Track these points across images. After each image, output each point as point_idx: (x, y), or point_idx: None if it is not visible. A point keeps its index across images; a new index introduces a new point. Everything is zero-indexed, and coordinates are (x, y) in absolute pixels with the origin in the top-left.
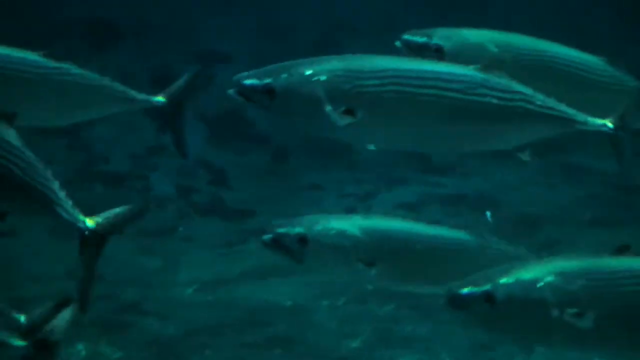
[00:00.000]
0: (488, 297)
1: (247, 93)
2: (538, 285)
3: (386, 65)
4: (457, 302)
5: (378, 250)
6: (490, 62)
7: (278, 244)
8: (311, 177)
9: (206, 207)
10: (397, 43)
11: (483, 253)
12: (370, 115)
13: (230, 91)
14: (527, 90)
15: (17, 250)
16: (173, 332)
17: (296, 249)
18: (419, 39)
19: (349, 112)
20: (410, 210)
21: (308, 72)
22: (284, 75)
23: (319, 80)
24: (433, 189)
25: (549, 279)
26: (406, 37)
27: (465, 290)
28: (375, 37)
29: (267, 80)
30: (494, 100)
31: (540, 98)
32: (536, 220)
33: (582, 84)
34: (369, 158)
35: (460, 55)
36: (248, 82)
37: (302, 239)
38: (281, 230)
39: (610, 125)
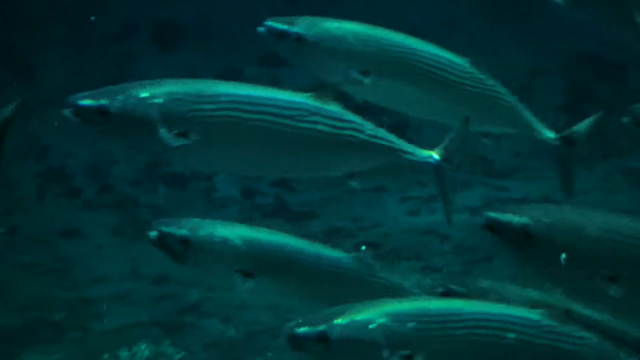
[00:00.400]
0: (322, 337)
1: (82, 114)
2: (370, 327)
3: (222, 90)
4: (293, 342)
5: (257, 263)
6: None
7: (162, 242)
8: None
9: (270, 209)
10: (260, 29)
11: (363, 280)
12: (203, 138)
13: (66, 112)
14: (358, 119)
15: (82, 251)
16: (235, 334)
17: (178, 251)
18: (280, 26)
19: (184, 134)
20: (475, 213)
21: (144, 95)
22: (120, 97)
23: (154, 102)
24: (496, 193)
25: (382, 320)
26: (269, 23)
27: (301, 329)
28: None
29: (103, 102)
30: (325, 128)
31: (369, 127)
32: None
33: (443, 84)
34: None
35: (320, 45)
36: (82, 103)
37: (185, 241)
38: (166, 229)
39: (435, 157)
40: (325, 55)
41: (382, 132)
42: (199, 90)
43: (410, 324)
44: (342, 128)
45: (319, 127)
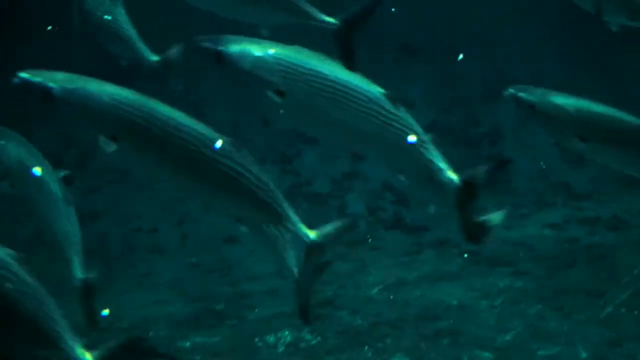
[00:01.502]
0: None
1: None
2: None
3: None
4: None
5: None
6: None
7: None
8: (478, 200)
9: (390, 223)
10: None
11: None
12: None
13: None
14: None
15: (238, 254)
16: (360, 324)
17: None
18: None
19: None
20: (555, 229)
21: None
22: None
23: None
24: (574, 212)
25: None
26: None
27: None
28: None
29: None
30: None
31: None
32: None
33: None
34: (523, 186)
35: None
36: None
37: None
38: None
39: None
40: None
41: None
42: None
43: None
44: None
45: None
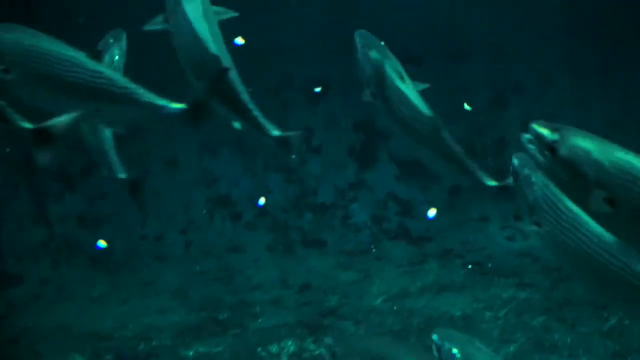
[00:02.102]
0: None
1: None
2: None
3: None
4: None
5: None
6: None
7: None
8: (480, 209)
9: (394, 233)
10: None
11: None
12: None
13: None
14: None
15: (242, 263)
16: (364, 334)
17: None
18: None
19: None
20: None
21: None
22: None
23: None
24: None
25: None
26: None
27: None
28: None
29: None
30: None
31: None
32: None
33: None
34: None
35: None
36: None
37: None
38: None
39: None
40: None
41: None
42: None
43: None
44: None
45: None
